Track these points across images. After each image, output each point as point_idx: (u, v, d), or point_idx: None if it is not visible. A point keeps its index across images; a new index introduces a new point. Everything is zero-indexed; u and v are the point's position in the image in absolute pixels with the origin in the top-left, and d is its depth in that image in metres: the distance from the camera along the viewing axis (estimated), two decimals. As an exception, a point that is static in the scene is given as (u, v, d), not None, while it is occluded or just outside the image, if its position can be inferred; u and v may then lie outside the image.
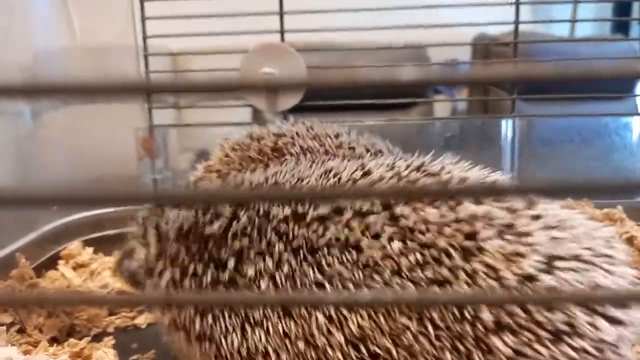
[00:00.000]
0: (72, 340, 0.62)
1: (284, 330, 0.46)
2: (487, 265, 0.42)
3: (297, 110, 0.92)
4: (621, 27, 2.33)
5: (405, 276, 0.43)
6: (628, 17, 2.22)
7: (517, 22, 0.93)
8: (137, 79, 0.32)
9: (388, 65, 0.99)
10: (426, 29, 0.97)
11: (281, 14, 0.90)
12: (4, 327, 0.63)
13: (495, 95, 1.67)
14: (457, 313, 0.42)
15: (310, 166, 0.51)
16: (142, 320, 0.71)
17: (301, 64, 0.87)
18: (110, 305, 0.65)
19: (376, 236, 0.45)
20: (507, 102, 1.01)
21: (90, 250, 0.87)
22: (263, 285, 0.46)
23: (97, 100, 0.85)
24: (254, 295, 0.42)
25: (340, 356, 0.44)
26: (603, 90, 0.95)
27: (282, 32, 0.90)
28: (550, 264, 0.43)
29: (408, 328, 0.43)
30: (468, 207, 0.44)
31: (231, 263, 0.48)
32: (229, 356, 0.48)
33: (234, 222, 0.48)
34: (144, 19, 0.94)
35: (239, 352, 0.47)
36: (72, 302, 0.55)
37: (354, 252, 0.45)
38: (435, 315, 0.42)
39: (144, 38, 0.95)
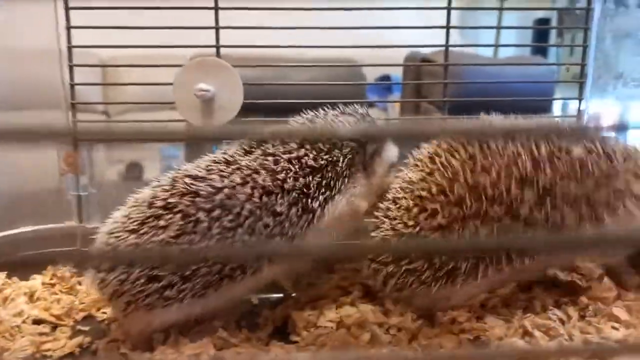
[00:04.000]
0: None
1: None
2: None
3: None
4: (540, 50, 2.49)
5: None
6: (546, 41, 2.36)
7: (447, 45, 0.96)
8: (61, 127, 0.30)
9: (325, 82, 0.99)
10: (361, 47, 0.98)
11: (217, 28, 0.88)
12: None
13: (427, 113, 1.72)
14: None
15: None
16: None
17: (237, 79, 0.85)
18: None
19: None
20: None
21: (2, 275, 0.81)
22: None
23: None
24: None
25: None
26: (524, 109, 0.99)
27: (217, 47, 0.88)
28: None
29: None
30: None
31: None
32: None
33: None
34: (68, 27, 0.88)
35: None
36: None
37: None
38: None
39: (69, 47, 0.90)
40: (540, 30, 2.64)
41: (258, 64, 0.97)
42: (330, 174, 0.69)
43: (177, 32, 0.88)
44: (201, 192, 0.64)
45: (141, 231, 0.64)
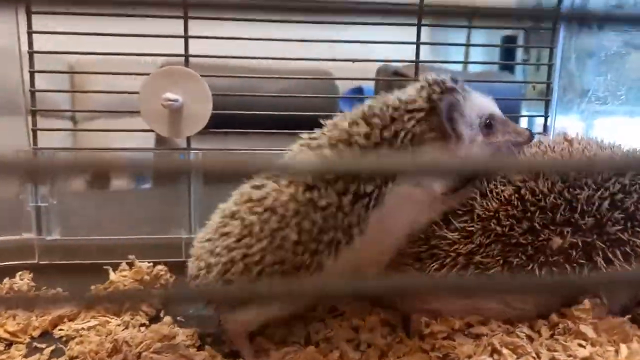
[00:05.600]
0: None
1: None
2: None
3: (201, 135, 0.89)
4: (507, 67, 2.56)
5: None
6: (513, 59, 2.43)
7: (417, 61, 0.97)
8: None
9: (295, 95, 0.98)
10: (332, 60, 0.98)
11: (186, 37, 0.87)
12: None
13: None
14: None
15: None
16: None
17: (206, 89, 0.83)
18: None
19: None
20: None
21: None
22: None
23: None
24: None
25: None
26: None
27: (186, 56, 0.86)
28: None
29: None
30: None
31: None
32: None
33: None
34: (30, 32, 0.85)
35: None
36: None
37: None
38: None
39: (30, 52, 0.87)
40: (508, 48, 2.71)
41: (229, 75, 0.96)
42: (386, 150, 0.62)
43: (145, 41, 0.86)
44: (253, 197, 0.65)
45: (213, 238, 0.67)
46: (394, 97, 0.66)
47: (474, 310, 0.68)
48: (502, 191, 0.66)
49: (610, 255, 0.63)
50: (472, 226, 0.66)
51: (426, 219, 0.67)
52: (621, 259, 0.63)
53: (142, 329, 0.77)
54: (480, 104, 0.67)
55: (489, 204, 0.66)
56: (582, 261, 0.64)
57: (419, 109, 0.63)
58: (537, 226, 0.64)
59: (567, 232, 0.64)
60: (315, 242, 0.62)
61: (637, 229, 0.64)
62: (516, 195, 0.66)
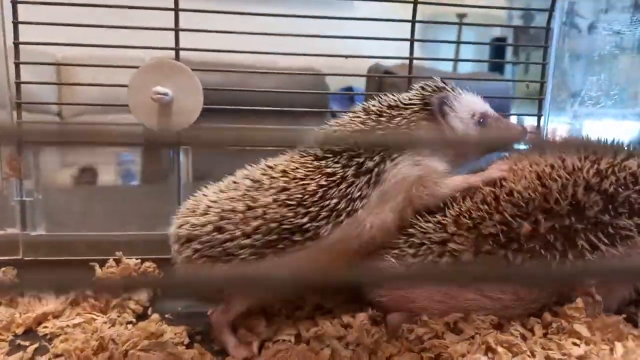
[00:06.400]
0: None
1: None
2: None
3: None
4: (497, 67, 2.57)
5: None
6: (503, 59, 2.44)
7: (411, 58, 0.96)
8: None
9: (288, 90, 0.97)
10: (325, 57, 0.97)
11: (176, 30, 0.85)
12: None
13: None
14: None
15: None
16: None
17: (196, 83, 0.82)
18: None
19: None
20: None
21: None
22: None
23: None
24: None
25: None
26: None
27: (177, 49, 0.84)
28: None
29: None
30: None
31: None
32: None
33: None
34: (15, 22, 0.83)
35: None
36: None
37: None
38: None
39: (15, 44, 0.85)
40: (497, 48, 2.72)
41: (219, 70, 0.94)
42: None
43: (135, 35, 0.84)
44: (268, 164, 0.71)
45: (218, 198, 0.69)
46: (390, 99, 0.72)
47: (451, 301, 0.68)
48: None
49: (593, 239, 0.63)
50: (445, 220, 0.68)
51: (427, 200, 0.70)
52: (606, 241, 0.63)
53: (129, 326, 0.75)
54: (471, 102, 0.72)
55: (462, 203, 0.69)
56: (562, 247, 0.63)
57: (414, 104, 0.71)
58: (508, 217, 0.65)
59: (542, 218, 0.64)
60: (317, 207, 0.66)
61: (620, 210, 0.64)
62: (492, 195, 0.68)
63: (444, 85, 0.73)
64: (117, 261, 0.84)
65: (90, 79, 1.06)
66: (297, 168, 0.68)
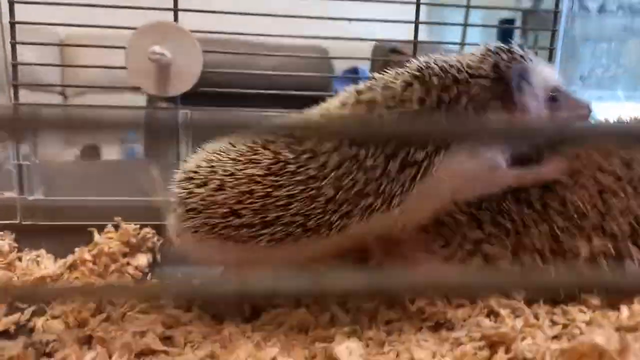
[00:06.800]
0: None
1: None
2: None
3: (191, 97, 0.86)
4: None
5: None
6: (510, 40, 2.41)
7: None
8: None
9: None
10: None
11: (175, 10, 0.82)
12: None
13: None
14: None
15: None
16: None
17: (196, 46, 0.80)
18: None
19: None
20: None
21: None
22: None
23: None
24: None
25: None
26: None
27: (175, 10, 0.82)
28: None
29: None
30: None
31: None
32: None
33: None
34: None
35: None
36: None
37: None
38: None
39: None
40: (505, 31, 2.68)
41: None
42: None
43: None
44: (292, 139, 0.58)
45: (237, 160, 0.59)
46: (453, 60, 0.60)
47: None
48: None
49: None
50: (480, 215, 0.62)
51: (476, 196, 0.62)
52: None
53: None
54: (547, 74, 0.62)
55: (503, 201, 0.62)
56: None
57: (484, 76, 0.58)
58: (557, 230, 0.59)
59: (596, 238, 0.59)
60: (350, 205, 0.57)
61: None
62: (541, 201, 0.61)
63: (522, 53, 0.60)
64: (116, 227, 0.84)
65: (93, 58, 1.05)
66: (330, 152, 0.57)
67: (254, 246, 0.59)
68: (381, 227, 0.59)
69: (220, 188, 0.59)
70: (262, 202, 0.58)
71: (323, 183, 0.57)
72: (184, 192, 0.62)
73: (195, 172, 0.62)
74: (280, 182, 0.57)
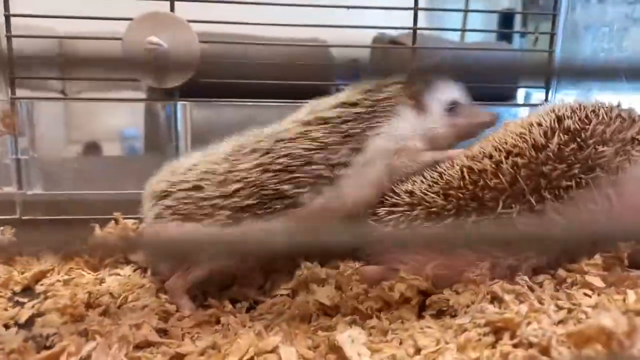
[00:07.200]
0: None
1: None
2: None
3: (189, 90, 0.85)
4: (505, 36, 2.51)
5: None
6: (511, 28, 2.39)
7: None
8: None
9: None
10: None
11: (172, 1, 0.81)
12: None
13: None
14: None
15: None
16: None
17: (193, 36, 0.79)
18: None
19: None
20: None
21: None
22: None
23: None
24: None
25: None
26: (489, 96, 0.97)
27: (172, 0, 0.81)
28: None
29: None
30: None
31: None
32: None
33: None
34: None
35: None
36: None
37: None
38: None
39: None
40: (506, 19, 2.66)
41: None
42: (369, 109, 0.68)
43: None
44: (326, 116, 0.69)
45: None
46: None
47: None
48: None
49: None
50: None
51: (405, 171, 0.70)
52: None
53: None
54: (447, 90, 0.74)
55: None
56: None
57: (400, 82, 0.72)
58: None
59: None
60: (300, 172, 0.65)
61: None
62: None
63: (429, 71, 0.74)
64: (116, 221, 0.83)
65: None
66: (283, 131, 0.68)
67: (212, 223, 0.64)
68: (334, 200, 0.67)
69: (186, 172, 0.68)
70: (223, 177, 0.66)
71: (275, 152, 0.66)
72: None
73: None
74: (239, 159, 0.67)
